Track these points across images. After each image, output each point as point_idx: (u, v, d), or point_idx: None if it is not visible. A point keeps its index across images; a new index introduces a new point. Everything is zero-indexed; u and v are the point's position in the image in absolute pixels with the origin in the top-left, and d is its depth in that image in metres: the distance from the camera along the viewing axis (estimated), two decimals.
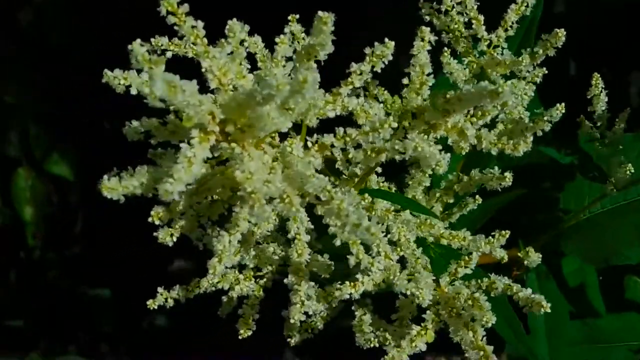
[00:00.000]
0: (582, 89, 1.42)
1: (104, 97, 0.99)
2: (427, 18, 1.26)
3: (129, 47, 0.84)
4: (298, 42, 1.10)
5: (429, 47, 1.02)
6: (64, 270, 2.55)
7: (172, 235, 0.97)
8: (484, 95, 0.92)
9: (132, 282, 2.06)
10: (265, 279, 1.34)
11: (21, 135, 2.40)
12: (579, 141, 1.54)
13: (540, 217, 1.62)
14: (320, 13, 0.90)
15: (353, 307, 1.35)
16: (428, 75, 1.02)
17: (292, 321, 0.97)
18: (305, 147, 0.96)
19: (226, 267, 1.26)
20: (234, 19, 0.94)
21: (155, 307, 1.28)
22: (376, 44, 0.97)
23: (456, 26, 1.25)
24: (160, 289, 1.28)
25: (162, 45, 1.03)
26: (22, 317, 2.52)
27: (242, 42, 0.97)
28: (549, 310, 1.00)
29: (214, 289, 1.31)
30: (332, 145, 0.96)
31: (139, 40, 0.84)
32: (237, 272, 1.32)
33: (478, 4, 1.23)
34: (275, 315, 1.25)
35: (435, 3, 1.25)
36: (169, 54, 0.98)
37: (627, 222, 1.53)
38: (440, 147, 0.99)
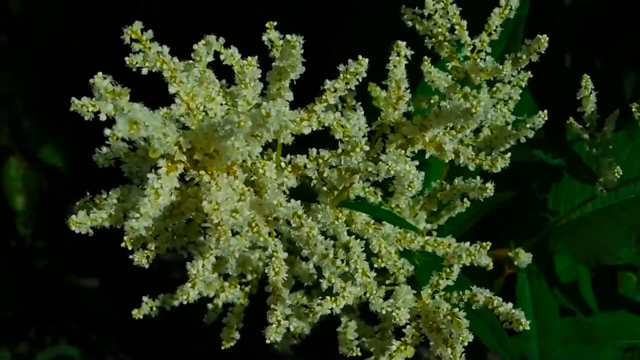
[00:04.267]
0: (576, 83, 1.40)
1: None
2: (410, 23, 1.24)
3: (91, 80, 0.83)
4: (277, 50, 1.07)
5: (406, 62, 0.99)
6: (54, 260, 2.56)
7: (147, 257, 0.95)
8: (458, 115, 0.90)
9: (122, 272, 2.06)
10: (250, 286, 1.34)
11: (13, 125, 2.39)
12: (569, 142, 1.52)
13: (531, 217, 1.60)
14: (288, 37, 0.89)
15: (339, 313, 1.35)
16: (405, 90, 0.99)
17: (267, 342, 0.96)
18: (280, 167, 0.95)
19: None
20: (200, 43, 0.92)
21: (141, 317, 1.29)
22: (350, 61, 0.94)
23: (439, 30, 1.23)
24: (145, 298, 1.29)
25: (136, 63, 0.97)
26: (12, 307, 2.53)
27: (217, 54, 0.95)
28: (528, 328, 1.00)
29: (199, 296, 1.31)
30: (306, 167, 0.95)
31: (100, 74, 0.83)
32: (222, 279, 1.32)
33: (460, 9, 1.21)
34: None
35: (417, 8, 1.23)
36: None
37: (618, 222, 1.51)
38: (417, 163, 0.97)
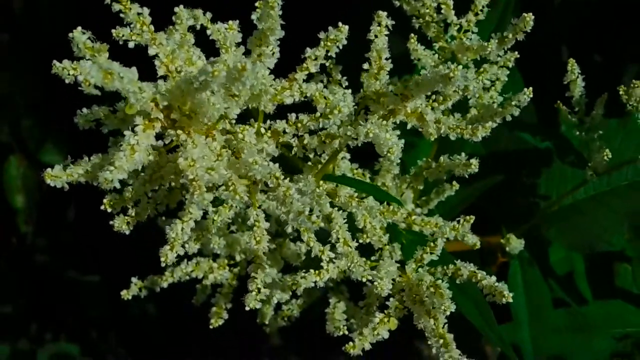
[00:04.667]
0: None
1: None
2: (397, 3, 1.24)
3: (70, 35, 0.84)
4: None
5: (386, 32, 1.00)
6: (55, 258, 2.56)
7: (128, 223, 0.95)
8: (437, 80, 0.90)
9: (123, 269, 2.07)
10: (239, 267, 1.34)
11: (13, 124, 2.40)
12: (559, 127, 1.52)
13: (522, 203, 1.60)
14: None
15: (328, 295, 1.35)
16: (386, 60, 1.00)
17: (247, 308, 0.95)
18: (259, 133, 0.95)
19: (193, 255, 1.27)
20: (181, 6, 0.93)
21: (130, 298, 1.29)
22: (330, 28, 0.95)
23: (427, 11, 1.23)
24: (134, 279, 1.29)
25: (123, 35, 0.97)
26: (13, 303, 2.54)
27: (204, 28, 0.96)
28: (510, 300, 0.99)
29: (188, 277, 1.31)
30: (285, 132, 0.95)
31: (79, 28, 0.84)
32: (210, 260, 1.32)
33: None
34: None
35: None
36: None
37: (610, 209, 1.51)
38: (398, 132, 0.98)
